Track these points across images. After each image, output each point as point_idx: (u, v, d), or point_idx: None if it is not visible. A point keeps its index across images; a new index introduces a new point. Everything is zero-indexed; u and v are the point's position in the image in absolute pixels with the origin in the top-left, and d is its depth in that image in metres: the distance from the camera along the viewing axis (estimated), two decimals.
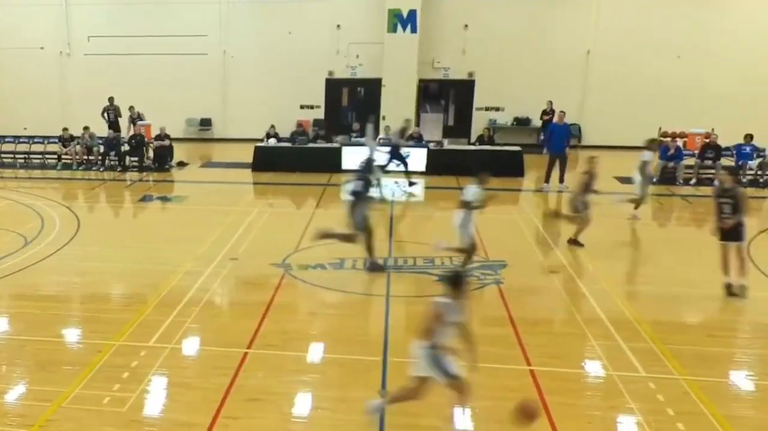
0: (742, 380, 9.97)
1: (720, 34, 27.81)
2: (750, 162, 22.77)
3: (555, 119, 22.17)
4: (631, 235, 17.29)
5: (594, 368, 10.05)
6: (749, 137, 23.16)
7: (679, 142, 23.74)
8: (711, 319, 12.25)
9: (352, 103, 30.55)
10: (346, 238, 13.90)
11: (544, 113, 27.82)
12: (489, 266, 14.00)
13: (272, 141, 24.87)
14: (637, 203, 17.98)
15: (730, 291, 12.68)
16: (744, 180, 22.44)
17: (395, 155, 22.48)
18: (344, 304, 12.53)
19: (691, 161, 22.85)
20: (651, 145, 19.09)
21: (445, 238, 15.62)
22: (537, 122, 28.34)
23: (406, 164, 22.71)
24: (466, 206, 13.33)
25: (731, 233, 12.65)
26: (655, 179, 22.48)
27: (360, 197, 13.74)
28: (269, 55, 29.85)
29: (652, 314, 11.99)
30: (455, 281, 8.12)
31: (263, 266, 14.10)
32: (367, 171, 14.06)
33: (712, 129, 24.05)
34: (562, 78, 28.62)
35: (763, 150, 22.87)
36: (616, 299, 12.44)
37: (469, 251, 13.44)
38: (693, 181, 22.30)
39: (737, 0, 28.17)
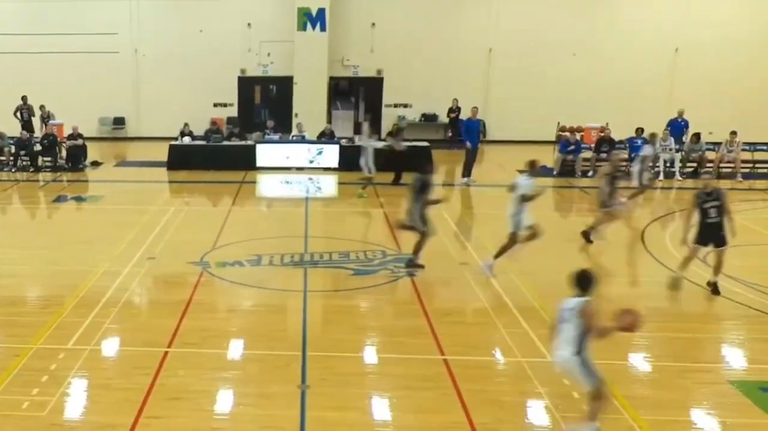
0: (640, 362, 10.26)
1: (611, 32, 28.43)
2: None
3: (470, 115, 22.37)
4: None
5: (504, 355, 10.24)
6: (640, 131, 23.71)
7: (577, 136, 24.21)
8: (610, 305, 12.54)
9: (264, 101, 30.34)
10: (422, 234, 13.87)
11: (451, 110, 28.09)
12: (402, 260, 14.04)
13: (187, 139, 24.50)
14: (636, 194, 18.39)
15: (675, 284, 12.57)
16: None
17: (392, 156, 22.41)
18: (262, 300, 12.41)
19: (588, 154, 23.35)
20: (651, 139, 19.78)
21: (360, 232, 15.74)
22: (444, 119, 28.58)
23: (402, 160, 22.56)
24: (523, 199, 13.36)
25: (715, 238, 12.42)
26: (555, 172, 22.97)
27: (418, 196, 13.64)
28: (181, 54, 29.37)
29: (556, 301, 12.22)
30: (587, 279, 8.14)
31: (181, 264, 13.89)
32: (423, 171, 14.04)
33: (606, 123, 24.64)
34: (466, 75, 28.90)
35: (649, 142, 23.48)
36: (522, 289, 12.65)
37: (512, 240, 13.50)
38: (590, 173, 22.81)
39: (621, 1, 28.86)
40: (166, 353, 10.09)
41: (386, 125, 28.46)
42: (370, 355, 10.25)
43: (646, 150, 19.39)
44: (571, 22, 28.39)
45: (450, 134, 28.30)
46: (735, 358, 10.52)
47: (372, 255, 14.34)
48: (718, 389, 9.32)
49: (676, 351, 10.50)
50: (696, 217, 12.52)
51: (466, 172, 21.72)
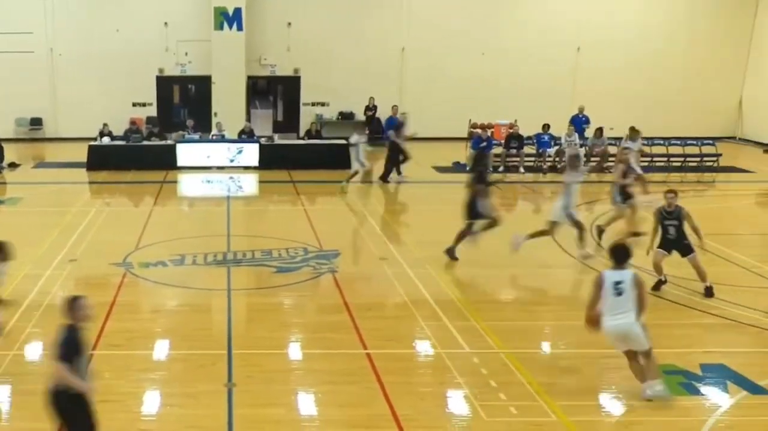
0: (553, 350, 10.50)
1: (517, 33, 28.65)
2: (548, 150, 23.78)
3: (391, 113, 22.37)
4: (452, 221, 17.72)
5: (424, 347, 10.35)
6: (546, 127, 24.14)
7: (488, 132, 24.43)
8: (524, 295, 12.83)
9: (183, 100, 29.85)
10: (490, 225, 14.07)
11: (367, 108, 28.11)
12: (324, 256, 14.05)
13: (106, 140, 23.92)
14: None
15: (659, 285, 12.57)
16: (544, 167, 23.52)
17: (395, 150, 22.40)
18: (187, 300, 12.22)
19: (498, 150, 23.63)
20: (633, 135, 20.56)
21: (283, 230, 15.64)
22: (361, 117, 28.57)
23: (405, 159, 22.46)
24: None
25: (678, 248, 12.39)
26: (468, 168, 23.14)
27: (478, 189, 13.84)
28: (98, 53, 28.56)
29: (473, 294, 12.45)
30: (626, 252, 8.86)
31: (103, 266, 13.58)
32: (480, 163, 14.32)
33: (515, 120, 24.95)
34: (381, 74, 28.87)
35: (559, 139, 23.91)
36: (440, 282, 12.79)
37: (580, 227, 14.10)
38: (501, 168, 23.11)
39: (526, 2, 29.20)
40: (90, 356, 9.85)
41: (304, 123, 28.32)
42: (295, 351, 10.24)
43: (629, 144, 20.13)
44: (479, 22, 28.62)
45: (367, 132, 28.29)
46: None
47: (294, 253, 14.28)
48: (625, 373, 9.49)
49: (584, 338, 10.66)
50: (659, 232, 12.45)
51: (397, 169, 21.67)
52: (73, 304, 7.00)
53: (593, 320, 8.95)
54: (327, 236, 15.30)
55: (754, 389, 9.09)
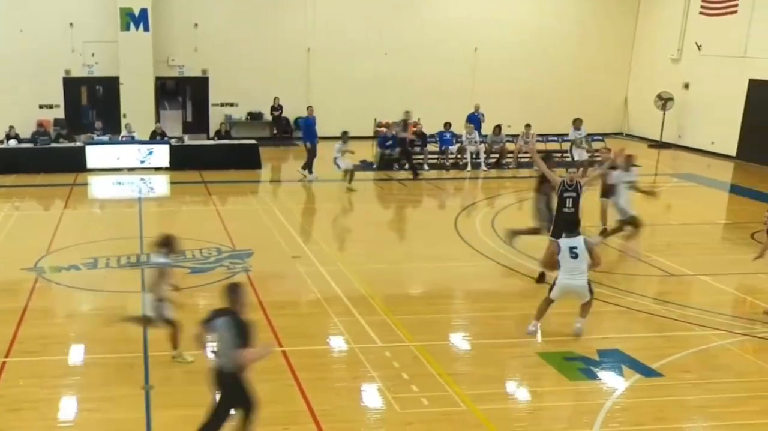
0: (460, 341, 10.65)
1: (418, 33, 28.71)
2: (451, 147, 23.99)
3: (306, 113, 22.15)
4: (358, 218, 17.80)
5: (338, 343, 10.34)
6: (448, 125, 24.37)
7: (393, 131, 24.52)
8: (431, 289, 12.90)
9: (91, 101, 28.97)
10: (533, 231, 13.78)
11: (273, 108, 27.86)
12: (237, 256, 13.88)
13: (13, 142, 23.04)
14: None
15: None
16: (447, 164, 23.73)
17: (402, 147, 22.54)
18: (102, 303, 11.83)
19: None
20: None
21: (195, 231, 15.36)
22: (268, 117, 28.28)
23: (409, 155, 22.89)
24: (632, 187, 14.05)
25: (568, 229, 11.99)
26: (375, 166, 23.22)
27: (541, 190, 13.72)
28: (2, 55, 27.49)
29: (383, 289, 12.46)
30: (576, 223, 10.88)
31: (14, 271, 13.08)
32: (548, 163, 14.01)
33: (419, 119, 25.15)
34: (288, 74, 28.59)
35: (460, 136, 24.16)
36: (351, 278, 12.79)
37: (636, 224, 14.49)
38: (406, 166, 23.21)
39: (434, 1, 29.44)
40: (4, 363, 9.52)
41: (213, 123, 27.86)
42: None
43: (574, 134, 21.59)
44: (382, 23, 28.64)
45: (275, 132, 28.09)
46: (541, 332, 11.08)
47: (207, 253, 14.05)
48: (528, 361, 9.80)
49: (490, 329, 10.91)
50: (553, 206, 12.69)
51: (308, 168, 21.51)
52: (233, 291, 7.26)
53: (551, 265, 10.77)
54: (240, 236, 15.11)
55: (647, 372, 9.41)
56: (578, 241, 10.29)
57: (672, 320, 11.23)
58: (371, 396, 8.81)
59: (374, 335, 10.43)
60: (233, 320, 7.10)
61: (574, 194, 12.38)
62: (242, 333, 7.06)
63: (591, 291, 10.39)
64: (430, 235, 16.22)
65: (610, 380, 9.23)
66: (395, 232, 16.96)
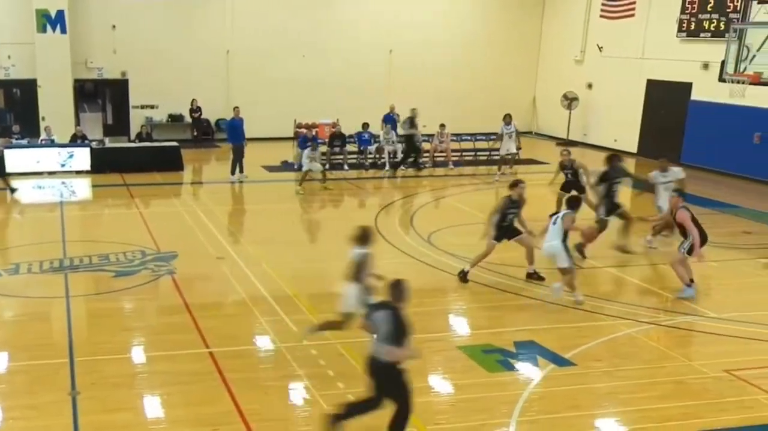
0: None
1: (334, 35, 28.69)
2: (369, 147, 24.02)
3: (233, 115, 21.76)
4: (281, 218, 17.66)
5: (264, 342, 10.26)
6: (366, 125, 24.37)
7: (313, 131, 24.39)
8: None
9: (9, 104, 27.94)
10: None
11: (192, 110, 27.39)
12: (161, 258, 13.60)
13: None
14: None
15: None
16: (366, 164, 23.75)
17: (410, 145, 22.49)
18: (24, 309, 11.46)
19: (323, 149, 23.60)
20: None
21: (119, 234, 14.99)
22: (189, 119, 27.80)
23: (419, 153, 23.34)
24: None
25: (508, 234, 12.70)
26: (296, 167, 23.02)
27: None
28: None
29: (307, 288, 12.41)
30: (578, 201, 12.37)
31: None
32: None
33: (337, 119, 25.13)
34: (208, 76, 28.13)
35: (378, 136, 24.20)
36: (276, 278, 12.69)
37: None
38: (327, 166, 23.14)
39: (347, 3, 29.21)
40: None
41: (134, 126, 27.25)
42: (138, 355, 9.82)
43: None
44: (299, 25, 28.43)
45: (195, 134, 27.63)
46: (460, 326, 11.23)
47: (132, 256, 13.73)
48: (448, 354, 9.89)
49: (414, 325, 10.95)
50: (496, 219, 12.54)
51: (235, 169, 21.17)
52: (396, 287, 7.46)
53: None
54: (164, 238, 14.81)
55: (560, 362, 9.62)
56: (560, 214, 11.99)
57: (583, 310, 11.49)
58: (298, 394, 8.77)
59: (300, 334, 10.37)
60: (393, 315, 7.33)
61: (516, 211, 12.63)
62: (399, 328, 7.31)
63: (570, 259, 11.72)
64: (351, 234, 16.19)
65: (527, 371, 9.40)
66: (318, 231, 16.91)
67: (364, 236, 9.76)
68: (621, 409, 8.46)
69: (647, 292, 12.70)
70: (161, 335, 10.44)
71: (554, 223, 11.80)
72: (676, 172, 15.15)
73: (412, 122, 23.42)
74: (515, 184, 12.68)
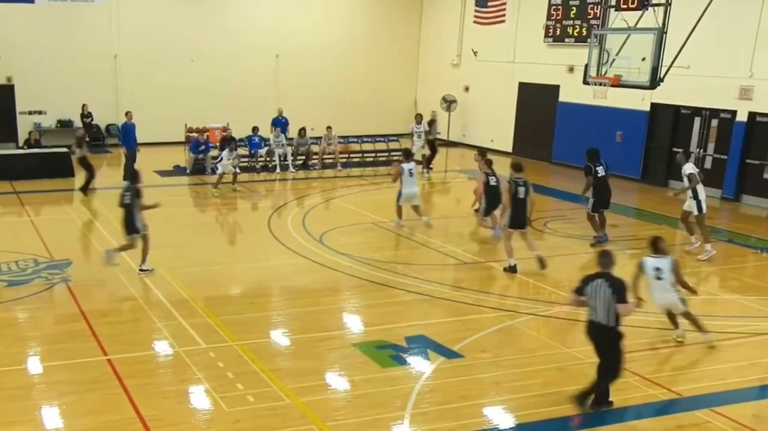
0: (280, 337, 10.57)
1: (222, 40, 28.15)
2: (260, 150, 23.72)
3: (126, 119, 20.94)
4: (176, 223, 17.20)
5: (163, 347, 9.93)
6: (256, 129, 24.07)
7: (204, 136, 23.92)
8: (250, 289, 12.69)
9: None
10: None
11: (83, 115, 26.33)
12: (55, 266, 12.99)
13: None
14: None
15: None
16: (257, 167, 23.44)
17: (431, 146, 22.88)
18: None
19: (215, 152, 23.13)
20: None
21: (10, 242, 14.25)
22: (79, 124, 26.63)
23: (434, 155, 23.81)
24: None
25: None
26: (188, 171, 22.53)
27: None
28: None
29: (203, 291, 12.14)
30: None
31: None
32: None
33: (227, 123, 24.68)
34: (96, 81, 27.04)
35: (268, 140, 23.94)
36: (172, 283, 12.37)
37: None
38: (218, 170, 22.65)
39: (233, 9, 28.72)
40: None
41: (22, 132, 25.94)
42: (35, 365, 9.34)
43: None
44: (187, 30, 27.72)
45: (88, 139, 26.49)
46: (354, 323, 11.23)
47: (24, 265, 13.06)
48: (343, 352, 9.87)
49: (307, 324, 10.92)
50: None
51: (128, 174, 20.35)
52: (605, 255, 8.37)
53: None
54: (57, 246, 14.17)
55: (449, 354, 9.76)
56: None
57: (468, 304, 11.71)
58: (199, 397, 8.55)
59: (198, 337, 10.14)
60: (609, 280, 8.02)
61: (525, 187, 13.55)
62: (619, 290, 7.95)
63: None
64: (245, 236, 16.01)
65: (418, 364, 9.49)
66: (212, 235, 16.53)
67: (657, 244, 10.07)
68: (507, 397, 8.66)
69: (525, 284, 13.04)
70: (58, 344, 9.98)
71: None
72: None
73: (431, 125, 24.05)
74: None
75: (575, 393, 8.29)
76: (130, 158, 20.33)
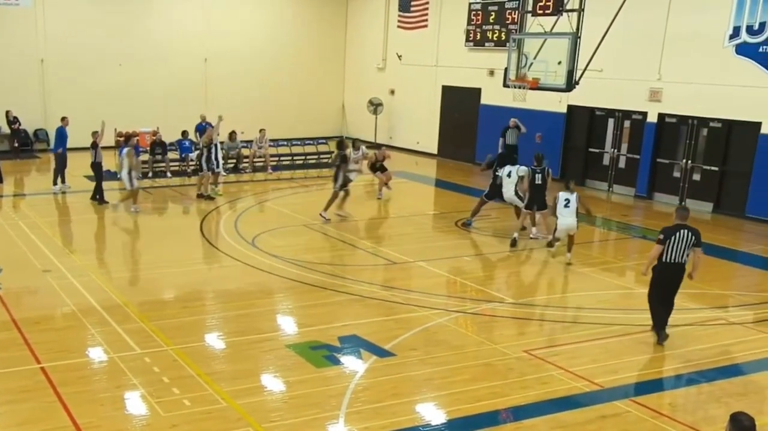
0: (215, 340, 10.43)
1: (149, 45, 27.61)
2: (190, 154, 23.32)
3: (62, 124, 20.17)
4: (107, 228, 16.85)
5: (97, 354, 9.68)
6: (185, 133, 23.71)
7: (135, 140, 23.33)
8: (183, 293, 12.46)
9: None
10: None
11: (9, 121, 25.33)
12: None
13: None
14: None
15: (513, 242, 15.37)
16: (189, 170, 23.05)
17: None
18: None
19: (145, 157, 22.71)
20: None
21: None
22: (6, 130, 25.77)
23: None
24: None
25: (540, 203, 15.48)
26: (119, 176, 21.93)
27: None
28: None
29: (137, 296, 11.93)
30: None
31: None
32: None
33: (157, 127, 24.19)
34: (22, 85, 26.20)
35: (198, 144, 23.52)
36: (105, 288, 12.10)
37: None
38: (150, 174, 22.31)
39: (160, 12, 28.16)
40: None
41: None
42: None
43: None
44: (113, 34, 27.06)
45: (16, 144, 25.68)
46: (288, 325, 11.19)
47: None
48: (278, 353, 9.82)
49: (241, 327, 10.83)
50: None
51: (57, 179, 19.81)
52: (683, 209, 10.26)
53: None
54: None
55: (381, 353, 9.81)
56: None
57: (398, 303, 11.79)
58: (135, 403, 8.39)
59: (132, 342, 9.95)
60: (689, 230, 9.90)
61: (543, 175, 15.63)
62: (699, 236, 9.93)
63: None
64: (177, 240, 15.75)
65: (351, 364, 9.51)
66: (144, 239, 16.22)
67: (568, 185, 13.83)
68: (437, 394, 8.77)
69: (453, 283, 13.22)
70: None
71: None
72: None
73: (518, 129, 22.20)
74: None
75: (659, 336, 10.22)
76: (61, 163, 19.74)
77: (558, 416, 8.32)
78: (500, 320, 11.30)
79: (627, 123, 22.09)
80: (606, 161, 22.68)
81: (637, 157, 21.62)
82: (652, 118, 21.00)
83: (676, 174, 20.83)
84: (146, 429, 7.83)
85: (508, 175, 15.93)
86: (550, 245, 14.92)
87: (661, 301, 10.27)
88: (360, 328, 10.66)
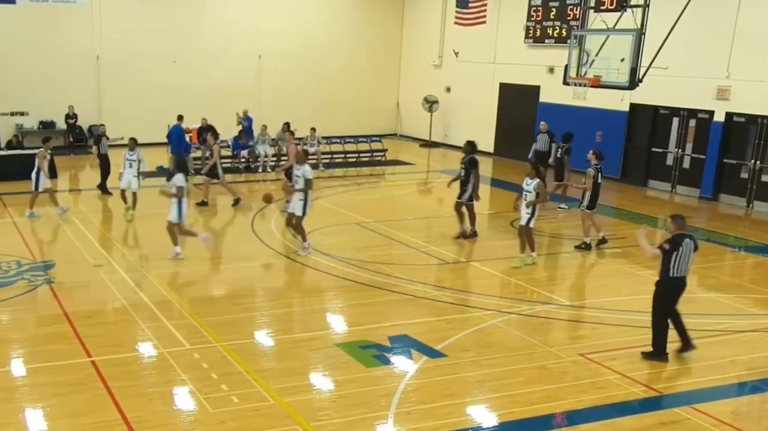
0: (264, 338, 10.49)
1: (204, 42, 27.98)
2: (242, 152, 23.54)
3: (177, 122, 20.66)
4: (157, 225, 17.05)
5: (147, 349, 9.84)
6: (243, 131, 23.98)
7: (187, 137, 23.67)
8: (233, 290, 12.57)
9: None
10: None
11: (68, 116, 26.09)
12: (38, 268, 12.87)
13: None
14: None
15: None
16: (240, 167, 23.26)
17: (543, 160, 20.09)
18: None
19: (198, 153, 22.93)
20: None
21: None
22: (62, 125, 26.46)
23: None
24: None
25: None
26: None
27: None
28: None
29: (187, 292, 12.12)
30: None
31: None
32: None
33: (204, 119, 24.29)
34: (79, 82, 26.85)
35: (251, 140, 23.80)
36: (156, 284, 12.29)
37: None
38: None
39: (215, 10, 28.50)
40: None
41: (4, 133, 25.67)
42: (18, 368, 9.23)
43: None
44: (169, 31, 27.59)
45: (71, 140, 26.32)
46: (337, 323, 11.19)
47: (7, 266, 12.91)
48: (327, 352, 9.83)
49: (290, 324, 10.90)
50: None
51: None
52: (680, 218, 9.74)
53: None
54: (40, 248, 14.07)
55: (433, 353, 9.75)
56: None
57: (450, 304, 11.71)
58: (183, 398, 8.49)
59: (182, 338, 10.08)
60: (690, 238, 9.59)
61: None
62: (696, 242, 9.68)
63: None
64: (228, 237, 15.92)
65: (402, 364, 9.46)
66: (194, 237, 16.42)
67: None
68: (490, 396, 8.66)
69: (507, 284, 13.06)
70: (40, 346, 9.88)
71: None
72: None
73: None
74: None
75: (683, 351, 9.77)
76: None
77: (615, 421, 8.13)
78: (555, 323, 11.11)
79: (692, 122, 21.57)
80: (669, 161, 22.18)
81: (703, 157, 21.09)
82: (719, 117, 20.45)
83: (744, 175, 20.26)
84: (194, 425, 7.91)
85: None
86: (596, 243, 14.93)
87: (667, 313, 9.74)
88: (411, 328, 10.59)
